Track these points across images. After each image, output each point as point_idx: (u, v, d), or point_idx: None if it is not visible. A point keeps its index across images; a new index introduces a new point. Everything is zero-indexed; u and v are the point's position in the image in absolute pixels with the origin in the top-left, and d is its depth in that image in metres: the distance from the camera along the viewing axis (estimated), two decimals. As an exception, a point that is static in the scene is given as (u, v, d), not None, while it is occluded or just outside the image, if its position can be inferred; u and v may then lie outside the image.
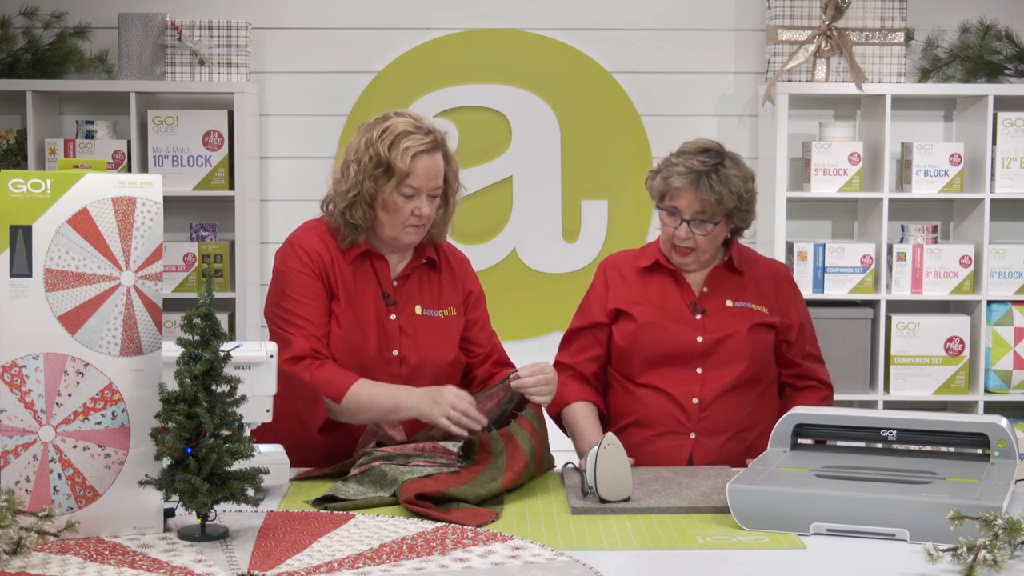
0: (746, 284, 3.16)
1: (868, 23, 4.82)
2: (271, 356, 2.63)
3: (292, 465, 2.83)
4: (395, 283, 3.03)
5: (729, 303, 3.12)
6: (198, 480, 2.23)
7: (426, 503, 2.52)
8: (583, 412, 3.10)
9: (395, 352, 2.98)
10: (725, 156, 3.08)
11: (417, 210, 2.94)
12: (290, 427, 2.93)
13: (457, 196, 3.07)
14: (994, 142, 4.79)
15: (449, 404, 2.80)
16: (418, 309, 3.03)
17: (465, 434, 2.80)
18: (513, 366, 3.12)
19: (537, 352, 3.25)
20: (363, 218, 2.96)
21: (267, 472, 2.36)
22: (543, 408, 2.90)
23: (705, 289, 3.13)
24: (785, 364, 3.19)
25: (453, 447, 2.80)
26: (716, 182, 3.01)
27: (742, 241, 3.23)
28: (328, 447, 2.95)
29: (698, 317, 3.10)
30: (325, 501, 2.60)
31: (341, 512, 2.51)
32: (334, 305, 2.97)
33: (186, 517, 2.38)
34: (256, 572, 2.13)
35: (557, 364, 3.17)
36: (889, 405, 4.84)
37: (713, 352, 3.07)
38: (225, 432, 2.26)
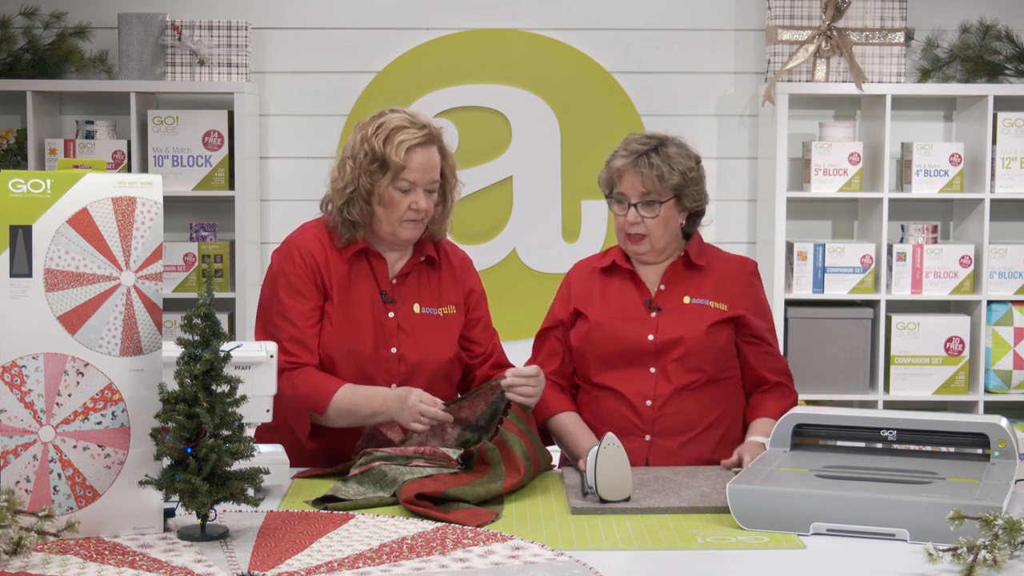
0: (705, 280, 3.09)
1: (868, 23, 4.82)
2: (271, 356, 2.63)
3: (291, 466, 2.83)
4: (394, 281, 3.04)
5: (687, 299, 3.06)
6: (198, 480, 2.23)
7: (426, 503, 2.52)
8: (570, 419, 3.07)
9: (393, 350, 2.98)
10: (668, 140, 3.07)
11: (414, 204, 2.95)
12: (288, 428, 2.94)
13: (455, 192, 3.07)
14: (994, 142, 4.80)
15: (416, 411, 2.83)
16: (416, 307, 3.03)
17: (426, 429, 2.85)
18: (511, 366, 3.12)
19: (537, 352, 3.26)
20: (360, 214, 2.97)
21: (267, 472, 2.37)
22: (529, 410, 2.89)
23: (662, 287, 3.08)
24: (747, 368, 3.11)
25: (453, 454, 2.80)
26: (656, 159, 3.00)
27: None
28: (325, 448, 2.95)
29: (653, 315, 3.04)
30: (325, 501, 2.60)
31: (341, 512, 2.51)
32: (328, 305, 2.98)
33: (186, 517, 2.38)
34: (256, 572, 2.13)
35: None
36: (889, 405, 4.84)
37: (666, 352, 3.02)
38: (225, 432, 2.26)
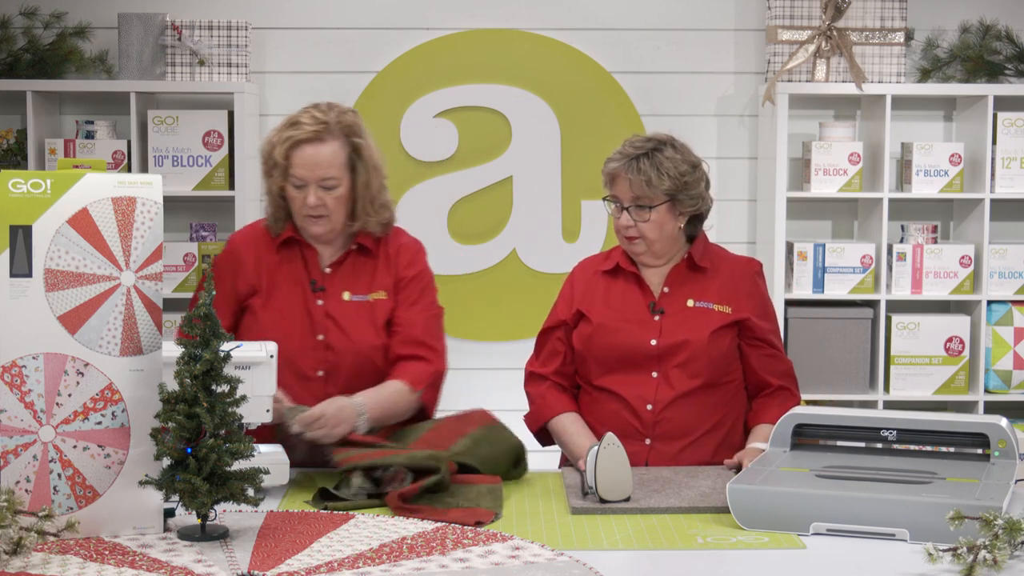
0: (709, 282, 3.08)
1: (868, 23, 4.82)
2: (271, 356, 2.64)
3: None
4: (327, 270, 3.09)
5: (690, 303, 3.05)
6: (198, 480, 2.23)
7: (421, 506, 2.52)
8: (570, 419, 3.05)
9: (320, 337, 3.03)
10: (666, 143, 3.04)
11: (305, 199, 3.00)
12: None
13: (371, 188, 3.07)
14: (994, 142, 4.79)
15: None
16: (346, 295, 3.08)
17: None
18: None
19: (537, 352, 3.25)
20: (275, 206, 3.07)
21: (267, 472, 2.37)
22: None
23: (666, 289, 3.07)
24: (749, 371, 3.12)
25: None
26: (647, 164, 2.99)
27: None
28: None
29: (656, 318, 3.04)
30: (325, 498, 2.60)
31: (341, 512, 2.51)
32: (255, 299, 3.05)
33: (186, 517, 2.38)
34: (256, 572, 2.13)
35: (532, 375, 3.15)
36: (889, 405, 4.84)
37: (669, 356, 3.01)
38: (225, 432, 2.26)
